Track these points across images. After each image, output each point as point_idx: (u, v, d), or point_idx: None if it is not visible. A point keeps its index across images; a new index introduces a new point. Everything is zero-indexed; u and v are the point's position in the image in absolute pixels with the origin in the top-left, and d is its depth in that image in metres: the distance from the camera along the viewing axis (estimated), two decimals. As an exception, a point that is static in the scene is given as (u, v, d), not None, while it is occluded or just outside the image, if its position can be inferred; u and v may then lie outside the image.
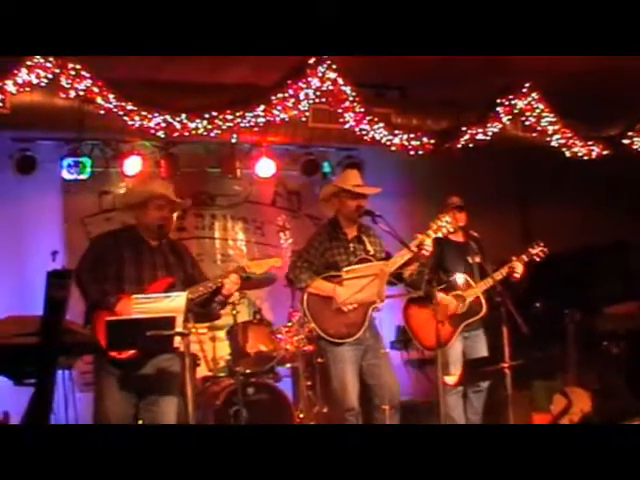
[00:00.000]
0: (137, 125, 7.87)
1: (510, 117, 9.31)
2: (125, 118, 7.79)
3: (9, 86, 7.19)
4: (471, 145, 9.28)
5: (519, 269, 6.99)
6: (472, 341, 7.09)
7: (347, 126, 8.66)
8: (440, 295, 6.41)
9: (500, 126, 9.30)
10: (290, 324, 8.02)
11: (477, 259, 7.10)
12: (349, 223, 6.51)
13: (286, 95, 8.22)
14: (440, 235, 6.39)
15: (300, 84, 8.20)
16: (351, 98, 8.45)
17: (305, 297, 6.33)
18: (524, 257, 7.06)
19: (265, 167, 9.50)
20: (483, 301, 6.95)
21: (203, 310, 5.89)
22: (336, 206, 6.53)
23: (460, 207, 7.19)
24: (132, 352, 5.44)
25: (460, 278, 6.98)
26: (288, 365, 8.25)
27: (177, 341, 5.30)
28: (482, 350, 7.10)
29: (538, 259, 7.10)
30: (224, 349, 8.28)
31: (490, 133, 9.27)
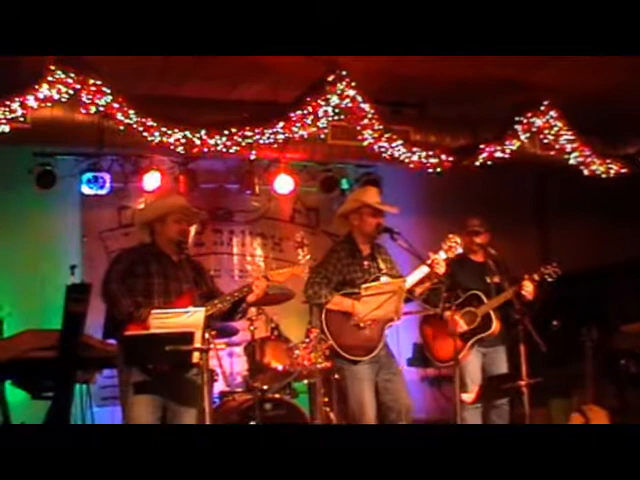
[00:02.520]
0: (157, 141, 7.92)
1: (528, 135, 9.30)
2: (145, 134, 7.85)
3: (30, 101, 7.26)
4: (489, 162, 9.28)
5: (529, 288, 6.94)
6: (491, 357, 7.07)
7: (366, 143, 8.66)
8: (449, 313, 6.36)
9: (518, 144, 9.30)
10: (308, 340, 8.01)
11: (496, 279, 7.05)
12: (365, 240, 6.49)
13: (305, 112, 8.25)
14: (451, 255, 6.39)
15: (319, 101, 8.22)
16: (370, 115, 8.46)
17: (324, 313, 6.32)
18: (535, 276, 7.00)
19: (283, 183, 9.54)
20: (493, 317, 6.93)
21: (225, 321, 5.92)
22: (354, 222, 6.49)
23: (476, 232, 7.18)
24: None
25: (473, 295, 6.97)
26: (305, 381, 8.24)
27: (196, 356, 5.31)
28: (502, 366, 7.07)
29: (550, 279, 7.06)
30: (242, 365, 8.28)
31: (508, 151, 9.26)
